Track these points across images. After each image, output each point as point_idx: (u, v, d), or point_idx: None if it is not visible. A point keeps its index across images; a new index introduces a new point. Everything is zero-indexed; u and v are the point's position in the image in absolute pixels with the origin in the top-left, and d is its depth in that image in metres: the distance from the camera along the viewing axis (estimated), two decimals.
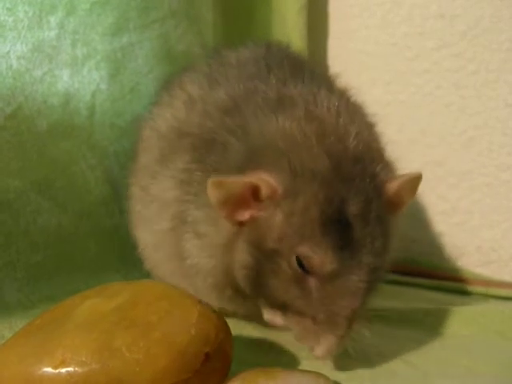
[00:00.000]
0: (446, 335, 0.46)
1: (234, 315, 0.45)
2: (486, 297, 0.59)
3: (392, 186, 0.37)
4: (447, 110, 0.64)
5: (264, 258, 0.35)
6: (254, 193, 0.35)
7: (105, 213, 0.56)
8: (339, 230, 0.34)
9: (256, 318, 0.42)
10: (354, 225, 0.34)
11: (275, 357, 0.40)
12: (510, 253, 0.62)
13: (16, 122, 0.50)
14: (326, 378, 0.32)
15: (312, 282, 0.34)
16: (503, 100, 0.61)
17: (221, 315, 0.33)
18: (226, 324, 0.33)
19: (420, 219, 0.66)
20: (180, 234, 0.39)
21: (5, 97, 0.49)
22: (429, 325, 0.47)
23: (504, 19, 0.60)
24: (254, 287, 0.36)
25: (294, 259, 0.34)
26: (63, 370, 0.28)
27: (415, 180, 0.39)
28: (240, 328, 0.44)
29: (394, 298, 0.55)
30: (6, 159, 0.49)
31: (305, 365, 0.38)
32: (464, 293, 0.60)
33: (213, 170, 0.37)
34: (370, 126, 0.41)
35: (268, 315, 0.38)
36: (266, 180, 0.34)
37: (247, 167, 0.35)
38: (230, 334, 0.33)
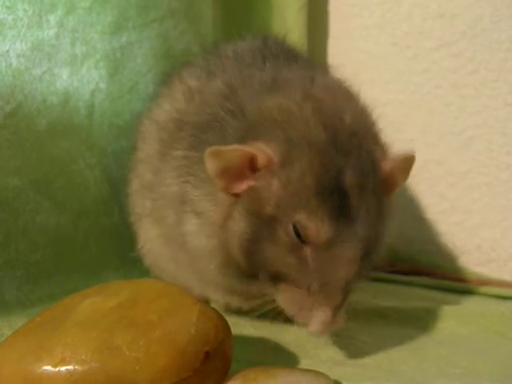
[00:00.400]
0: (445, 334, 0.46)
1: (238, 311, 0.45)
2: (486, 296, 0.59)
3: (386, 164, 0.38)
4: (447, 110, 0.64)
5: (261, 225, 0.35)
6: (251, 163, 0.35)
7: (104, 212, 0.56)
8: (335, 198, 0.34)
9: (258, 310, 0.42)
10: (351, 194, 0.34)
11: (275, 356, 0.40)
12: (509, 252, 0.62)
13: (15, 121, 0.50)
14: (326, 376, 0.32)
15: (307, 251, 0.34)
16: (503, 99, 0.61)
17: (221, 314, 0.33)
18: (226, 323, 0.33)
19: (419, 218, 0.66)
20: (180, 217, 0.39)
21: (4, 95, 0.49)
22: (428, 324, 0.47)
23: (504, 19, 0.60)
24: (250, 258, 0.36)
25: (290, 227, 0.34)
26: (63, 369, 0.28)
27: (409, 161, 0.39)
28: (240, 327, 0.44)
29: (393, 297, 0.55)
30: (5, 158, 0.49)
31: (305, 364, 0.38)
32: (463, 292, 0.60)
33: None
34: (366, 108, 0.41)
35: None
36: (262, 149, 0.35)
37: (244, 140, 0.36)
38: (230, 333, 0.33)
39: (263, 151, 0.35)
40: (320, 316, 0.34)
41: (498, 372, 0.38)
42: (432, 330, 0.46)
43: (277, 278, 0.36)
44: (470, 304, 0.54)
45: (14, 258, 0.49)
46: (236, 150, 0.35)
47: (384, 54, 0.67)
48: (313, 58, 0.58)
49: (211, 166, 0.35)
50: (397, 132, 0.65)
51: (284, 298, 0.36)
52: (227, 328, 0.32)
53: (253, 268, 0.36)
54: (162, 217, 0.42)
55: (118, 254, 0.56)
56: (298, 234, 0.34)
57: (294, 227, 0.34)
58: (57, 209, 0.52)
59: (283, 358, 0.40)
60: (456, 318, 0.48)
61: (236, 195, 0.36)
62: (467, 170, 0.64)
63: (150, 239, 0.47)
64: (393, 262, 0.65)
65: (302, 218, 0.34)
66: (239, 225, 0.36)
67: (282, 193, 0.35)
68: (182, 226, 0.39)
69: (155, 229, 0.45)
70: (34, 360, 0.29)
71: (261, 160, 0.35)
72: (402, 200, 0.64)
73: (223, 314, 0.33)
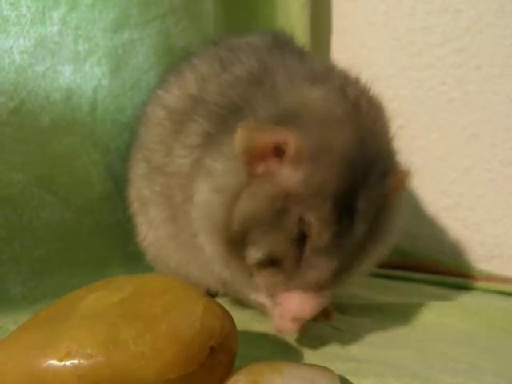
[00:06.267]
0: (449, 331, 0.46)
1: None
2: (489, 292, 0.59)
3: (393, 182, 0.38)
4: (450, 105, 0.64)
5: (271, 210, 0.35)
6: (277, 148, 0.35)
7: (107, 208, 0.56)
8: (346, 212, 0.35)
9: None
10: (359, 214, 0.35)
11: (280, 351, 0.40)
12: None
13: (19, 117, 0.50)
14: (331, 371, 0.32)
15: (307, 245, 0.35)
16: (507, 95, 0.61)
17: (226, 309, 0.33)
18: (231, 318, 0.33)
19: (423, 215, 0.66)
20: (191, 191, 0.39)
21: (8, 92, 0.49)
22: (432, 320, 0.47)
23: (508, 14, 0.60)
24: (250, 237, 0.36)
25: (299, 221, 0.35)
26: (68, 363, 0.28)
27: (409, 176, 0.40)
28: (245, 322, 0.44)
29: (396, 293, 0.55)
30: (9, 154, 0.49)
31: (309, 359, 0.38)
32: (467, 288, 0.60)
33: None
34: (387, 117, 0.41)
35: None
36: (296, 140, 0.34)
37: (279, 123, 0.35)
38: (235, 328, 0.33)
39: (297, 142, 0.34)
40: (296, 299, 0.36)
41: (501, 368, 0.38)
42: (436, 326, 0.47)
43: (263, 261, 0.37)
44: (473, 300, 0.54)
45: (19, 254, 0.49)
46: (271, 131, 0.34)
47: (387, 49, 0.67)
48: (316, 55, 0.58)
49: (240, 140, 0.34)
50: (400, 128, 0.65)
51: (262, 277, 0.38)
52: (232, 323, 0.32)
53: (245, 245, 0.37)
54: (171, 197, 0.42)
55: (122, 249, 0.56)
56: (303, 229, 0.35)
57: (303, 223, 0.35)
58: (61, 204, 0.52)
59: (288, 353, 0.40)
60: (459, 315, 0.48)
61: (253, 175, 0.36)
62: (471, 165, 0.64)
63: (154, 227, 0.46)
64: (396, 258, 0.65)
65: (312, 218, 0.35)
66: (248, 205, 0.36)
67: (302, 188, 0.35)
68: (193, 199, 0.39)
69: (162, 214, 0.44)
70: (39, 355, 0.28)
71: (291, 149, 0.34)
72: (405, 196, 0.64)
73: (228, 309, 0.33)
